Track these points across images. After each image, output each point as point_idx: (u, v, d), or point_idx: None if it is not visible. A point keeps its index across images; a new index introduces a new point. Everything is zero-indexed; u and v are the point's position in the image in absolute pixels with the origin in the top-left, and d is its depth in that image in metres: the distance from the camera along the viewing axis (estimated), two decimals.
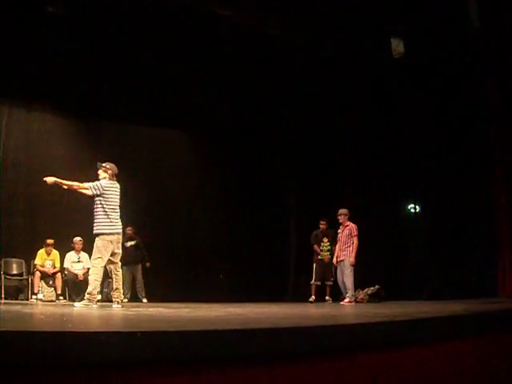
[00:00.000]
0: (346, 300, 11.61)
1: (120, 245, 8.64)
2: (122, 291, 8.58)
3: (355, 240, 11.72)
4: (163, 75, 13.68)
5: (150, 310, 7.77)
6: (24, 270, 12.31)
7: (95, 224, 8.51)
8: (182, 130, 15.31)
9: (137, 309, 8.06)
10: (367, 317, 5.45)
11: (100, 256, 8.39)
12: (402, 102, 13.80)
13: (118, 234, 8.56)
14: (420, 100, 13.28)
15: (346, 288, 11.69)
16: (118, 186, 8.80)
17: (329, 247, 12.94)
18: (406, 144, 13.95)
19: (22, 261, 12.37)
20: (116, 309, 8.12)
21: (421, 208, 15.03)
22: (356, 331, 3.85)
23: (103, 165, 8.91)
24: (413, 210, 15.38)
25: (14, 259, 12.30)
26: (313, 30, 12.61)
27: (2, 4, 11.42)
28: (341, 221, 12.05)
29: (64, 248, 12.50)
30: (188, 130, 15.25)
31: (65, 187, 8.81)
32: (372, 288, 12.34)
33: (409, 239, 14.66)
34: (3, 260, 12.13)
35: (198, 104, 14.35)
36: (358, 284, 11.97)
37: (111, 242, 8.43)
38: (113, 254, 8.50)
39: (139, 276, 13.27)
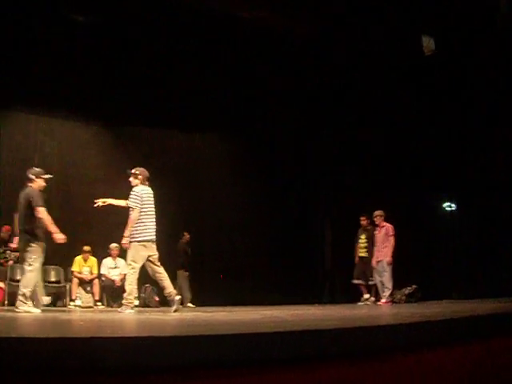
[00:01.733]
0: (384, 300, 11.55)
1: (155, 248, 8.50)
2: (172, 288, 8.42)
3: (392, 240, 11.72)
4: (195, 80, 13.71)
5: (187, 314, 7.79)
6: (62, 277, 12.41)
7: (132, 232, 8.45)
8: (215, 133, 15.31)
9: (174, 314, 8.07)
10: (405, 317, 5.39)
11: (133, 264, 8.37)
12: (437, 97, 13.66)
13: (152, 241, 8.46)
14: (456, 95, 13.15)
15: (384, 288, 11.63)
16: (150, 190, 8.73)
17: (365, 244, 12.80)
18: (441, 141, 13.81)
19: (60, 268, 12.48)
20: (175, 309, 8.15)
21: (457, 206, 14.87)
22: (394, 332, 3.80)
23: (133, 171, 8.83)
24: (448, 209, 15.22)
25: (51, 266, 12.38)
26: (343, 29, 12.55)
27: (35, 15, 11.61)
28: (377, 222, 12.10)
29: (101, 254, 12.60)
30: (220, 134, 15.26)
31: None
32: (409, 288, 12.26)
33: (445, 238, 14.51)
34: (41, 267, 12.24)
35: (229, 107, 14.37)
36: (395, 284, 11.89)
37: (145, 248, 8.37)
38: (151, 259, 8.43)
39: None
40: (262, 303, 11.26)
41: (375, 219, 12.17)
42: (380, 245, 11.91)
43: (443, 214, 15.27)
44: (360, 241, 12.95)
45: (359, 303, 12.37)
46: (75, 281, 12.21)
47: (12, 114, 13.47)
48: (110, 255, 12.59)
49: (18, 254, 12.14)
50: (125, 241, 8.45)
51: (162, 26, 12.44)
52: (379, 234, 12.01)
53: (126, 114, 13.85)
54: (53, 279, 12.32)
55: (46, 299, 8.98)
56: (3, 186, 12.99)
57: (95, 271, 12.48)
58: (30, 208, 8.50)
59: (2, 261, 12.09)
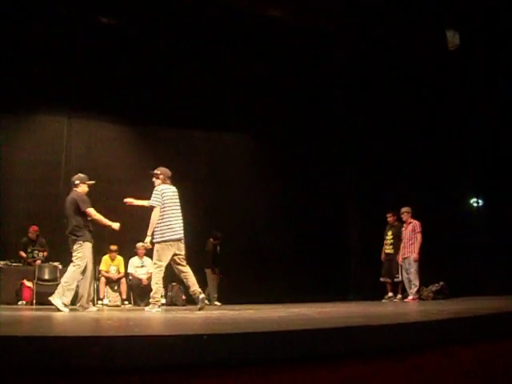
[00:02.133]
0: (410, 297, 11.49)
1: (183, 247, 8.52)
2: (196, 287, 8.44)
3: (419, 236, 11.68)
4: (221, 79, 13.75)
5: (214, 312, 7.81)
6: None
7: (154, 232, 8.49)
8: (241, 133, 15.33)
9: (200, 312, 8.10)
10: (432, 314, 5.36)
11: (158, 263, 8.39)
12: (463, 94, 13.56)
13: (177, 240, 8.48)
14: (481, 92, 13.04)
15: (411, 285, 11.57)
16: (173, 189, 8.74)
17: (391, 240, 12.74)
18: (468, 137, 13.71)
19: None
20: (202, 306, 8.24)
21: (483, 202, 14.74)
22: (422, 329, 3.78)
23: (154, 171, 8.91)
24: (475, 204, 15.09)
25: None
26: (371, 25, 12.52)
27: (58, 17, 11.72)
28: (404, 219, 12.08)
29: (127, 253, 12.68)
30: (248, 133, 15.27)
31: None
32: (436, 285, 12.18)
33: (472, 234, 14.38)
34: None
35: (254, 107, 14.37)
36: (423, 281, 11.83)
37: (170, 247, 8.40)
38: (176, 259, 8.46)
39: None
40: (287, 301, 11.26)
41: (402, 216, 12.14)
42: (407, 241, 11.88)
43: (470, 209, 15.14)
44: (386, 237, 12.89)
45: (383, 300, 12.34)
46: (102, 280, 12.31)
47: (38, 117, 13.64)
48: (136, 254, 12.67)
49: (46, 253, 12.35)
50: (147, 240, 8.50)
51: (187, 28, 12.51)
52: (406, 231, 11.98)
53: (151, 114, 13.94)
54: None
55: (93, 309, 9.12)
56: (31, 188, 13.13)
57: (122, 270, 12.57)
58: (77, 211, 8.82)
59: (30, 260, 12.23)
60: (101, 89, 13.10)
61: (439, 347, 3.51)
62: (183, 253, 8.52)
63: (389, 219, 12.96)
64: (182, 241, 8.54)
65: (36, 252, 12.35)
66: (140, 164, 14.18)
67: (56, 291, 8.56)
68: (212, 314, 7.01)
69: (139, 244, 12.52)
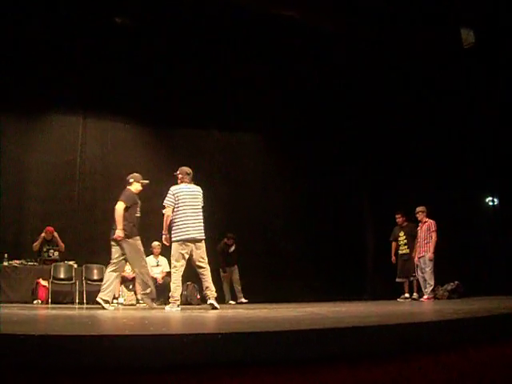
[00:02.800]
0: (425, 296, 11.46)
1: (203, 247, 8.46)
2: (213, 288, 8.42)
3: (434, 235, 11.65)
4: (234, 79, 13.77)
5: (229, 311, 7.82)
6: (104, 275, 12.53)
7: (171, 231, 8.47)
8: (256, 132, 15.32)
9: (215, 311, 8.11)
10: (448, 313, 5.34)
11: (175, 263, 8.37)
12: (476, 93, 13.50)
13: (191, 239, 8.37)
14: (495, 90, 12.98)
15: (426, 284, 11.54)
16: (193, 188, 8.64)
17: (405, 241, 12.74)
18: (482, 135, 13.65)
19: (103, 266, 12.57)
20: (214, 308, 8.21)
21: (499, 201, 14.67)
22: (437, 329, 3.77)
23: (175, 174, 8.90)
24: (491, 204, 15.02)
25: (94, 265, 12.54)
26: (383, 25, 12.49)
27: (72, 18, 11.77)
28: (419, 218, 12.05)
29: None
30: (262, 132, 15.25)
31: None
32: (451, 284, 12.15)
33: (487, 233, 14.32)
34: (84, 266, 12.42)
35: (270, 105, 14.37)
36: (438, 280, 11.79)
37: (186, 246, 8.33)
38: (194, 259, 8.43)
39: (237, 277, 13.55)
40: (303, 300, 11.26)
41: (417, 215, 12.09)
42: (422, 241, 11.86)
43: (486, 208, 15.07)
44: (399, 238, 12.87)
45: (398, 299, 12.31)
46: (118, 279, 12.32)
47: (53, 118, 13.70)
48: (151, 253, 12.68)
49: (60, 247, 12.43)
50: (163, 238, 8.58)
51: (202, 29, 12.55)
52: (421, 230, 11.95)
53: (166, 114, 13.98)
54: (96, 277, 12.45)
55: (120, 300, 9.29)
56: (46, 189, 13.21)
57: None
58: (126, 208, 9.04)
59: (45, 259, 12.30)
60: (116, 89, 13.13)
61: (455, 347, 3.49)
62: (200, 252, 8.43)
63: (398, 220, 12.95)
64: (202, 242, 8.45)
65: (51, 251, 12.41)
66: (155, 164, 14.25)
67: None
68: (227, 313, 7.02)
69: (155, 243, 12.56)
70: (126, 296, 12.38)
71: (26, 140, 13.12)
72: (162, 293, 12.35)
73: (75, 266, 12.32)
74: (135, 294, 12.43)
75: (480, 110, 13.53)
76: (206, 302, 8.70)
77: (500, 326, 4.03)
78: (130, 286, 12.50)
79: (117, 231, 8.91)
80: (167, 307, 8.43)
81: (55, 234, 12.55)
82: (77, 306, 11.14)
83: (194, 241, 8.36)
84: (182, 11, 12.09)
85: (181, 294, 12.11)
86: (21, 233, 12.90)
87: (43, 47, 12.34)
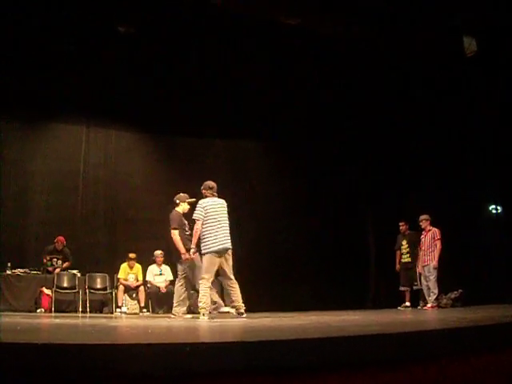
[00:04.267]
0: (429, 305, 11.44)
1: (230, 258, 8.55)
2: (240, 301, 8.45)
3: (438, 244, 11.64)
4: (235, 87, 13.79)
5: (233, 320, 7.80)
6: (108, 284, 12.53)
7: (201, 244, 8.61)
8: (257, 138, 15.28)
9: (219, 320, 8.11)
10: (451, 322, 5.33)
11: (205, 276, 8.40)
12: (479, 100, 13.50)
13: (224, 250, 8.48)
14: (498, 98, 12.98)
15: (430, 293, 11.52)
16: (219, 201, 8.83)
17: (407, 249, 12.75)
18: (485, 142, 13.64)
19: (106, 275, 12.62)
20: (241, 318, 8.20)
21: (502, 208, 14.64)
22: (441, 337, 3.76)
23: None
24: (494, 211, 14.99)
25: (97, 274, 12.56)
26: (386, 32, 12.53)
27: (75, 27, 11.82)
28: (423, 226, 12.04)
29: (146, 261, 12.70)
30: (262, 137, 15.18)
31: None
32: (455, 292, 12.12)
33: (491, 241, 14.28)
34: (87, 275, 12.43)
35: (270, 107, 14.36)
36: (442, 289, 11.77)
37: (213, 258, 8.41)
38: (222, 271, 8.55)
39: None
40: (307, 309, 11.23)
41: (421, 223, 12.08)
42: (426, 249, 11.83)
43: (489, 216, 15.04)
44: (402, 247, 12.87)
45: (399, 308, 12.30)
46: (121, 288, 12.33)
47: (56, 126, 13.73)
48: (155, 262, 12.68)
49: (67, 263, 12.45)
50: (191, 251, 8.77)
51: (205, 38, 12.58)
52: (425, 238, 11.92)
53: (169, 123, 13.99)
54: (99, 286, 12.46)
55: (183, 312, 9.34)
56: (49, 197, 13.22)
57: (140, 278, 12.58)
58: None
59: (49, 268, 12.31)
60: (119, 98, 13.16)
61: (458, 356, 3.48)
62: (228, 264, 8.53)
63: (401, 228, 12.97)
64: (229, 252, 8.57)
65: (55, 260, 12.42)
66: (158, 173, 14.29)
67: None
68: (233, 322, 7.01)
69: (158, 252, 12.56)
70: (130, 305, 12.38)
71: (29, 148, 13.14)
72: (165, 302, 12.38)
73: (78, 274, 12.34)
74: (138, 302, 12.44)
75: (480, 111, 13.51)
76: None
77: (503, 334, 4.02)
78: (134, 295, 12.51)
79: (183, 255, 9.11)
80: (200, 317, 8.39)
81: (66, 249, 12.56)
82: (80, 315, 11.15)
83: (225, 251, 8.49)
84: (183, 20, 12.12)
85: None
86: (24, 241, 12.91)
87: (47, 56, 12.37)
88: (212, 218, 8.55)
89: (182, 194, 9.71)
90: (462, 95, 13.71)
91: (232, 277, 8.50)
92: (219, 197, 8.88)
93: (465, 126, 13.80)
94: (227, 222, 8.68)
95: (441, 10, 11.50)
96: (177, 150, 14.49)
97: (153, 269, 12.70)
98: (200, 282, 8.46)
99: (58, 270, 12.29)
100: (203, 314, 8.24)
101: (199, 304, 8.40)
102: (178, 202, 9.62)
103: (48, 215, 13.13)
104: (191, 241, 8.89)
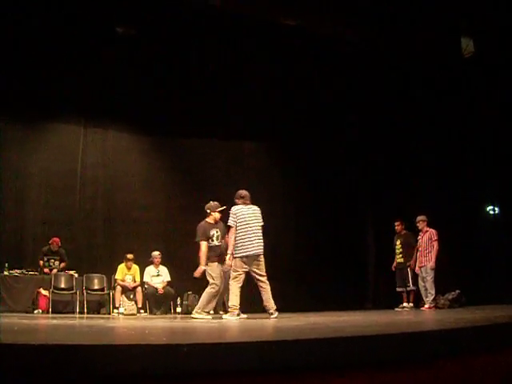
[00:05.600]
0: (427, 306, 11.44)
1: (261, 262, 8.87)
2: (270, 302, 8.75)
3: (435, 244, 11.65)
4: (236, 89, 13.79)
5: (233, 320, 7.81)
6: (105, 284, 12.53)
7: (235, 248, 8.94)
8: (257, 140, 15.28)
9: (219, 320, 8.12)
10: (449, 323, 5.33)
11: (236, 276, 8.77)
12: (478, 101, 13.51)
13: (253, 255, 8.78)
14: (497, 98, 13.00)
15: (427, 294, 11.52)
16: (253, 207, 9.09)
17: (400, 249, 12.75)
18: (483, 143, 13.65)
19: (103, 276, 12.62)
20: (272, 318, 8.37)
21: (500, 209, 14.65)
22: (438, 338, 3.76)
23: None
24: (492, 212, 15.00)
25: (95, 274, 12.56)
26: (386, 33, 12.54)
27: (73, 27, 11.82)
28: (420, 227, 12.03)
29: (143, 262, 12.68)
30: (263, 138, 15.18)
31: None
32: (453, 293, 12.11)
33: (488, 242, 14.28)
34: (85, 275, 12.42)
35: (270, 108, 14.36)
36: (439, 290, 11.77)
37: (243, 263, 8.73)
38: (255, 275, 8.81)
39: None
40: (305, 309, 11.23)
41: (418, 224, 12.08)
42: (423, 250, 11.83)
43: (486, 217, 15.05)
44: (396, 247, 12.88)
45: (396, 309, 12.31)
46: (118, 289, 12.31)
47: (54, 127, 13.73)
48: (152, 263, 12.66)
49: (63, 264, 12.44)
50: (228, 257, 9.10)
51: (203, 39, 12.61)
52: (422, 239, 11.93)
53: (167, 123, 13.99)
54: (96, 287, 12.46)
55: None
56: (47, 197, 13.22)
57: (138, 279, 12.56)
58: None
59: (46, 270, 12.30)
60: (116, 98, 13.15)
61: (455, 356, 3.48)
62: (261, 267, 8.87)
63: (396, 228, 12.96)
64: (261, 257, 8.88)
65: (52, 261, 12.41)
66: (155, 173, 14.28)
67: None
68: (233, 323, 7.01)
69: (155, 253, 12.55)
70: (127, 306, 12.36)
71: (26, 149, 13.13)
72: (163, 302, 12.39)
73: (76, 275, 12.33)
74: (136, 303, 12.43)
75: (480, 111, 13.52)
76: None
77: (500, 335, 4.02)
78: (131, 296, 12.49)
79: (199, 268, 9.45)
80: (227, 315, 8.74)
81: (62, 249, 12.56)
82: (77, 316, 11.14)
83: (255, 256, 8.80)
84: (183, 20, 12.12)
85: (181, 304, 12.26)
86: (21, 242, 12.90)
87: (44, 56, 12.36)
88: (243, 224, 8.85)
89: (212, 203, 9.86)
90: (462, 95, 13.72)
91: (262, 279, 8.81)
92: (252, 202, 9.14)
93: (464, 126, 13.82)
94: (259, 227, 8.97)
95: (440, 10, 11.50)
96: (175, 150, 14.48)
97: (150, 270, 12.69)
98: (231, 282, 8.79)
99: (55, 271, 12.28)
100: (232, 314, 8.54)
101: (229, 303, 8.86)
102: (208, 211, 9.77)
103: (45, 216, 13.12)
104: (215, 251, 9.46)
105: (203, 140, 14.60)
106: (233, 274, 8.80)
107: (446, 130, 13.99)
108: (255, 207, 9.10)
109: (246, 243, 8.74)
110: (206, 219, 9.71)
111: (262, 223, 9.01)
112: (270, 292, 8.76)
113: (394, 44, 12.95)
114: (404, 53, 13.26)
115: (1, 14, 10.84)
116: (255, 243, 8.79)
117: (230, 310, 8.69)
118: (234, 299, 8.66)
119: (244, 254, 8.71)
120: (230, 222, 8.88)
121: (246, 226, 8.83)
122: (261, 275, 8.77)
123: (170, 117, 13.88)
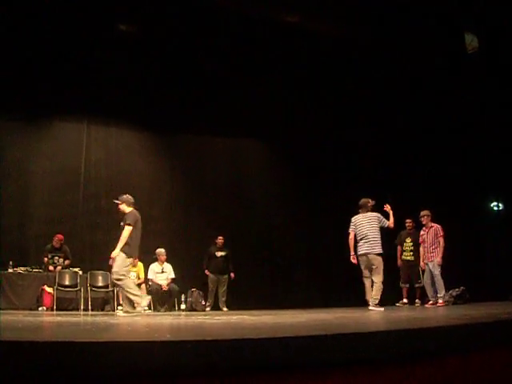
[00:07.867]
0: (440, 301, 11.29)
1: (376, 260, 10.17)
2: (373, 296, 9.97)
3: (441, 240, 11.51)
4: (238, 88, 13.78)
5: (234, 317, 7.80)
6: (109, 282, 12.52)
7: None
8: (258, 139, 15.29)
9: (221, 317, 8.11)
10: (453, 319, 5.33)
11: (364, 272, 10.33)
12: (482, 97, 13.49)
13: (365, 254, 10.22)
14: (500, 95, 12.98)
15: (433, 290, 11.44)
16: (365, 215, 10.51)
17: (412, 247, 12.69)
18: (486, 140, 13.63)
19: (108, 273, 12.60)
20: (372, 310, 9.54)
21: (504, 205, 14.63)
22: (442, 334, 3.76)
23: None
24: (496, 208, 14.98)
25: (99, 272, 12.55)
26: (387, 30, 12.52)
27: (76, 25, 11.82)
28: (424, 222, 11.86)
29: (148, 259, 12.69)
30: (264, 137, 15.20)
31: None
32: (457, 290, 12.07)
33: (493, 238, 14.27)
34: (89, 273, 12.42)
35: (273, 112, 14.37)
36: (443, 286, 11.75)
37: (361, 259, 10.29)
38: (370, 268, 10.21)
39: (224, 286, 13.35)
40: (306, 307, 11.24)
41: (422, 219, 11.90)
42: (429, 246, 11.65)
43: (490, 213, 15.03)
44: (405, 244, 12.81)
45: (397, 304, 12.29)
46: None
47: (57, 125, 13.73)
48: (156, 260, 12.67)
49: (68, 262, 12.44)
50: (351, 257, 10.37)
51: (208, 37, 12.60)
52: (427, 235, 11.76)
53: (170, 121, 14.00)
54: (101, 284, 12.46)
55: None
56: (51, 195, 13.23)
57: (142, 276, 12.58)
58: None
59: (51, 267, 12.31)
60: (119, 96, 13.16)
61: (459, 352, 3.49)
62: (374, 263, 10.13)
63: (408, 225, 12.89)
64: (370, 256, 10.17)
65: (56, 258, 12.43)
66: (159, 171, 14.29)
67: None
68: (234, 320, 7.01)
69: (160, 250, 12.56)
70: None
71: (30, 146, 13.16)
72: (167, 299, 12.39)
73: (80, 272, 12.34)
74: None
75: (480, 111, 13.51)
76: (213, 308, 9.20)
77: (505, 331, 4.02)
78: None
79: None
80: (371, 307, 9.89)
81: (65, 246, 12.57)
82: (82, 313, 11.15)
83: (366, 254, 10.20)
84: (184, 18, 12.11)
85: (186, 301, 12.27)
86: (25, 239, 12.92)
87: (47, 54, 12.39)
88: (358, 230, 10.38)
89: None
90: (462, 95, 13.70)
91: (369, 274, 10.25)
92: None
93: (463, 125, 13.80)
94: (372, 231, 10.26)
95: (442, 8, 11.50)
96: (178, 148, 14.50)
97: (154, 267, 12.70)
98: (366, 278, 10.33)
99: (59, 268, 12.30)
100: (376, 305, 9.81)
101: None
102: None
103: (49, 213, 13.14)
104: None
105: (205, 138, 14.62)
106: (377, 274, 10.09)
107: (447, 128, 13.97)
108: (372, 214, 10.48)
109: (359, 246, 10.29)
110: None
111: (379, 225, 10.43)
112: (376, 286, 10.00)
113: (395, 43, 12.93)
114: (404, 52, 13.25)
115: (2, 13, 10.85)
116: (363, 246, 10.24)
117: (371, 301, 9.91)
118: (379, 290, 9.99)
119: (359, 253, 10.30)
120: (350, 228, 10.54)
121: (361, 231, 10.33)
122: (374, 271, 10.17)
123: (172, 114, 13.90)
